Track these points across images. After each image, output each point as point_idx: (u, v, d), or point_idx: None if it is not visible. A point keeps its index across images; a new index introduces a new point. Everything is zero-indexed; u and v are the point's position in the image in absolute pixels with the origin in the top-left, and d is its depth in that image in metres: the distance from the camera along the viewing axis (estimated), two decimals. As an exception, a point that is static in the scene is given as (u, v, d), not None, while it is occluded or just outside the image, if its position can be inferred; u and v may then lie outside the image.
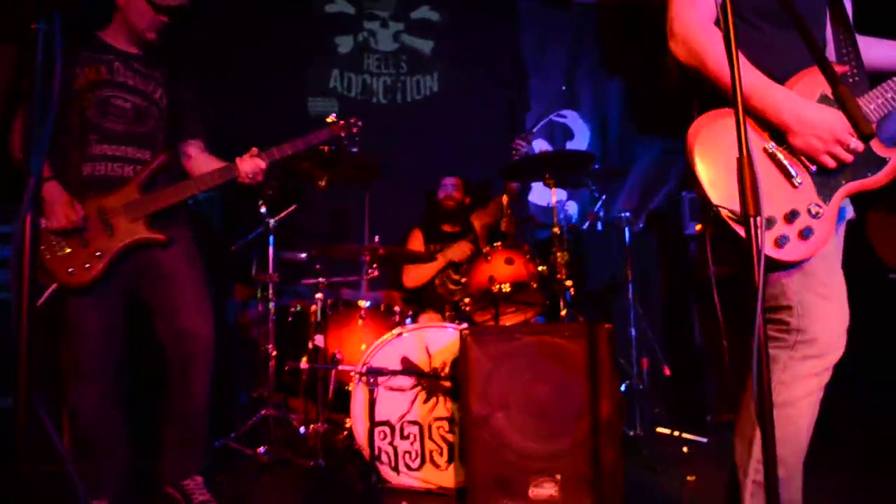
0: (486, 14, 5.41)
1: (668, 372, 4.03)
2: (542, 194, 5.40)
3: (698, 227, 4.60)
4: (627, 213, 4.07)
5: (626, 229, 4.05)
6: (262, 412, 3.76)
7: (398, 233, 4.89)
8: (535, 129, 5.35)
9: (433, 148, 5.21)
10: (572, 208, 5.38)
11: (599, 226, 4.78)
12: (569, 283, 3.61)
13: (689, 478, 3.22)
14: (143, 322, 2.75)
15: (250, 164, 2.74)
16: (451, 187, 4.65)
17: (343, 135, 2.99)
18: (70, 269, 2.52)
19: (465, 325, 3.30)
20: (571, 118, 5.54)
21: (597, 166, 4.09)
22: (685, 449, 3.62)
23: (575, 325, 2.93)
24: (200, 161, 2.87)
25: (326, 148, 3.40)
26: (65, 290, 2.56)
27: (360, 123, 3.02)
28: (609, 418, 2.68)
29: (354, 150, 3.01)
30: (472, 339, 2.76)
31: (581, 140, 5.51)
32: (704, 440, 3.81)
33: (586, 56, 5.60)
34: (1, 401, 3.31)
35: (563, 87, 5.54)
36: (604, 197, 4.27)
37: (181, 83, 2.83)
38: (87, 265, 2.53)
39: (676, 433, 3.83)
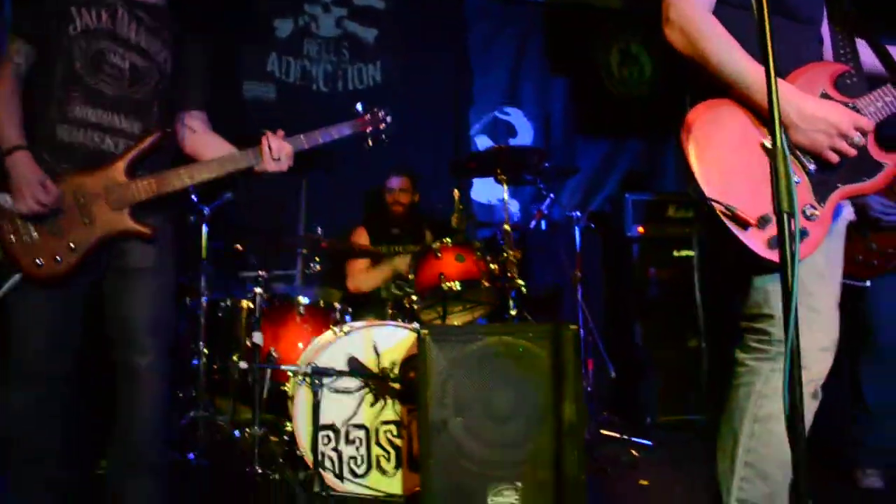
0: (432, 4, 5.25)
1: (613, 374, 3.96)
2: (482, 191, 5.28)
3: (640, 229, 4.59)
4: (577, 213, 3.98)
5: (576, 228, 3.96)
6: (192, 414, 3.48)
7: (337, 228, 4.66)
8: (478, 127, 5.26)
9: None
10: (514, 206, 5.28)
11: (544, 225, 4.69)
12: (520, 282, 3.49)
13: (641, 482, 3.15)
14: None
15: (277, 144, 2.32)
16: (399, 190, 4.46)
17: (368, 130, 2.60)
18: (38, 261, 2.11)
19: (415, 325, 3.14)
20: (515, 115, 5.44)
21: (547, 164, 3.99)
22: (634, 452, 3.54)
23: (539, 326, 2.79)
24: (205, 139, 2.46)
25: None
26: (29, 282, 2.15)
27: (388, 119, 2.61)
28: (573, 422, 2.55)
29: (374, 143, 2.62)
30: (430, 339, 2.58)
31: (524, 138, 5.41)
32: (650, 443, 3.76)
33: (532, 53, 5.52)
34: None
35: (507, 84, 5.43)
36: (551, 195, 4.17)
37: (188, 45, 2.41)
38: (58, 258, 2.12)
39: (624, 437, 3.76)
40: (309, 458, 2.84)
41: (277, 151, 2.33)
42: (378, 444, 2.93)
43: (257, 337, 3.19)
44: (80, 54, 2.19)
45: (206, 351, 3.55)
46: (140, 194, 2.21)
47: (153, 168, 2.28)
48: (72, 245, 2.16)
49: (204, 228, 3.60)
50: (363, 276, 4.30)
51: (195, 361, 3.62)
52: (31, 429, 2.24)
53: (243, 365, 3.13)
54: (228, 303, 3.78)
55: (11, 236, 2.12)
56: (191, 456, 3.22)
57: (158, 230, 2.27)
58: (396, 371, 3.00)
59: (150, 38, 2.32)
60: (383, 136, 2.62)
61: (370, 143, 2.62)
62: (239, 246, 3.82)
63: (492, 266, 3.51)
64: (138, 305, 2.28)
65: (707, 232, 1.87)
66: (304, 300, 3.57)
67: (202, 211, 3.61)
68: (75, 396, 2.30)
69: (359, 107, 2.62)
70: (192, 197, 3.62)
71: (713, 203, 1.74)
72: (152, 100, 2.32)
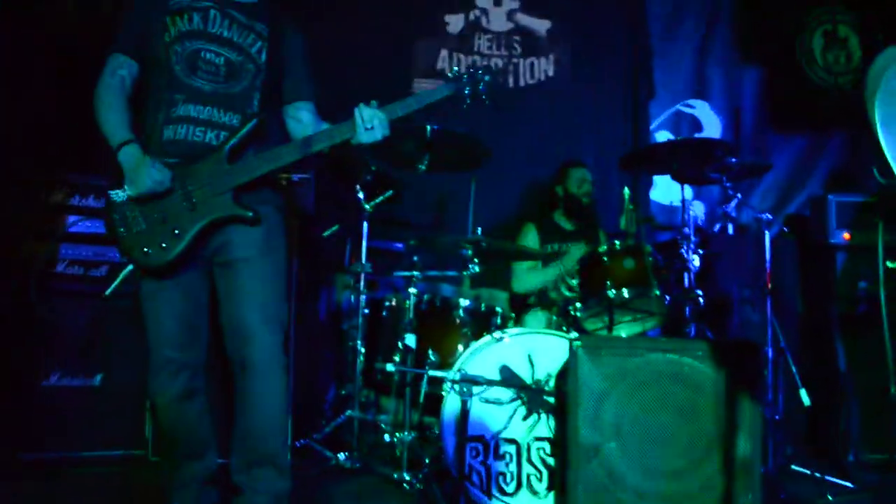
0: (608, -12, 4.97)
1: (808, 402, 3.45)
2: (664, 192, 4.90)
3: (846, 235, 4.00)
4: (768, 215, 3.53)
5: (766, 233, 3.51)
6: (348, 413, 3.48)
7: (504, 225, 4.53)
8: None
9: (545, 136, 4.82)
10: (699, 209, 4.85)
11: (731, 228, 4.24)
12: (697, 292, 3.14)
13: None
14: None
15: (370, 113, 2.27)
16: (586, 181, 4.20)
17: (466, 91, 2.43)
18: (146, 249, 2.21)
19: (574, 335, 2.91)
20: (700, 109, 5.00)
21: (733, 160, 3.57)
22: (829, 497, 3.06)
23: (711, 342, 2.47)
24: (313, 129, 2.45)
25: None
26: (140, 271, 2.29)
27: (486, 77, 2.45)
28: (748, 457, 2.22)
29: (488, 102, 2.49)
30: (584, 352, 2.35)
31: (711, 133, 4.96)
32: (850, 485, 3.25)
33: (719, 40, 5.07)
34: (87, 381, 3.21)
35: (692, 74, 5.00)
36: (738, 196, 3.73)
37: (286, 39, 2.45)
38: (164, 244, 2.21)
39: (817, 474, 3.27)
40: (455, 470, 2.71)
41: (370, 120, 2.27)
42: (529, 461, 2.75)
43: (410, 339, 3.12)
44: (177, 58, 2.28)
45: (363, 350, 3.52)
46: (239, 177, 2.25)
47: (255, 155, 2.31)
48: (176, 231, 2.21)
49: (364, 226, 3.58)
50: (529, 278, 4.10)
51: (358, 360, 3.62)
52: (182, 417, 2.32)
53: (390, 367, 3.06)
54: (393, 302, 3.74)
55: (122, 229, 2.22)
56: (341, 456, 3.20)
57: (262, 215, 2.29)
58: (552, 384, 2.79)
59: (242, 32, 2.36)
60: (483, 96, 2.44)
61: (468, 102, 2.43)
62: (400, 244, 3.79)
63: (665, 273, 3.20)
64: (247, 297, 2.28)
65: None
66: (464, 302, 3.45)
67: (364, 208, 3.59)
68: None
69: (455, 69, 2.53)
70: (359, 195, 3.62)
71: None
72: (251, 92, 2.35)
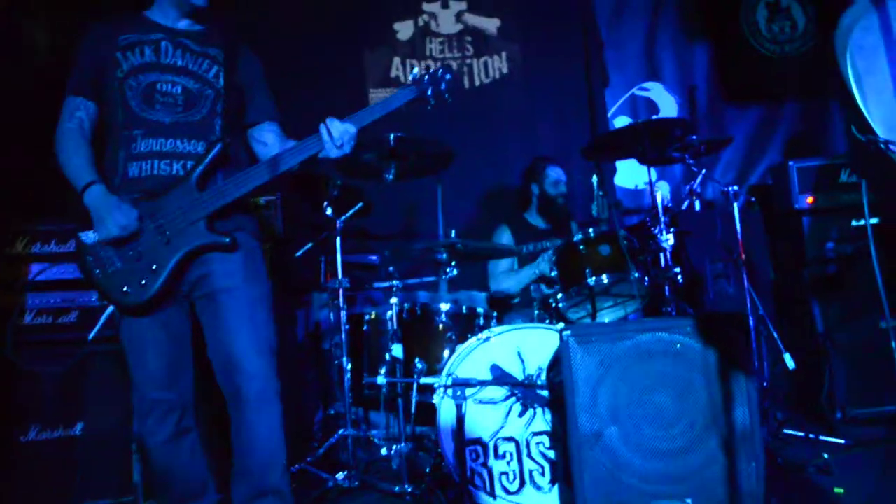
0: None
1: (793, 365, 3.51)
2: (627, 176, 4.96)
3: (810, 199, 4.09)
4: (735, 187, 3.58)
5: (735, 205, 3.56)
6: (341, 432, 3.45)
7: (475, 227, 4.54)
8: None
9: (506, 134, 4.84)
10: (664, 189, 4.91)
11: (697, 205, 4.30)
12: (675, 270, 3.18)
13: (836, 489, 2.75)
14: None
15: (339, 127, 2.25)
16: (562, 182, 4.22)
17: (429, 92, 2.43)
18: (125, 289, 2.17)
19: (561, 325, 2.92)
20: (655, 90, 5.07)
21: (693, 137, 3.63)
22: (825, 455, 3.11)
23: (698, 318, 2.50)
24: (280, 149, 2.40)
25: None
26: (120, 311, 2.25)
27: (447, 76, 2.45)
28: (746, 427, 2.25)
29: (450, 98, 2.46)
30: (574, 340, 2.36)
31: (667, 113, 5.02)
32: (843, 441, 3.31)
33: (667, 21, 5.14)
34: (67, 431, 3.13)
35: (643, 57, 5.07)
36: (703, 172, 3.79)
37: (243, 62, 2.43)
38: (143, 282, 2.17)
39: (811, 436, 3.33)
40: (457, 476, 2.70)
41: (340, 137, 2.26)
42: (530, 457, 2.75)
43: (396, 350, 3.10)
44: (132, 93, 2.26)
45: (349, 367, 3.49)
46: (212, 203, 2.22)
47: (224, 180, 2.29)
48: (154, 266, 2.18)
49: (338, 241, 3.55)
50: (505, 279, 4.11)
51: (346, 377, 3.58)
52: (175, 457, 2.27)
53: (381, 380, 3.04)
54: (373, 315, 3.71)
55: (97, 270, 2.18)
56: (339, 476, 3.16)
57: (238, 240, 2.27)
58: (544, 377, 2.80)
59: (196, 59, 2.35)
60: (446, 94, 2.45)
61: (432, 103, 2.44)
62: (375, 256, 3.77)
63: (641, 255, 3.23)
64: (235, 327, 2.25)
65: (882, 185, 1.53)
66: (445, 307, 3.44)
67: (336, 224, 3.56)
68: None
69: (415, 71, 2.49)
70: (327, 212, 3.59)
71: (889, 146, 1.40)
72: (212, 119, 2.33)
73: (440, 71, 2.46)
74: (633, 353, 2.38)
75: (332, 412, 3.85)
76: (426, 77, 2.44)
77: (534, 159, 4.33)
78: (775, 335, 3.60)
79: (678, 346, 2.33)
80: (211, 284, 2.27)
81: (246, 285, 2.30)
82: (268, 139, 2.48)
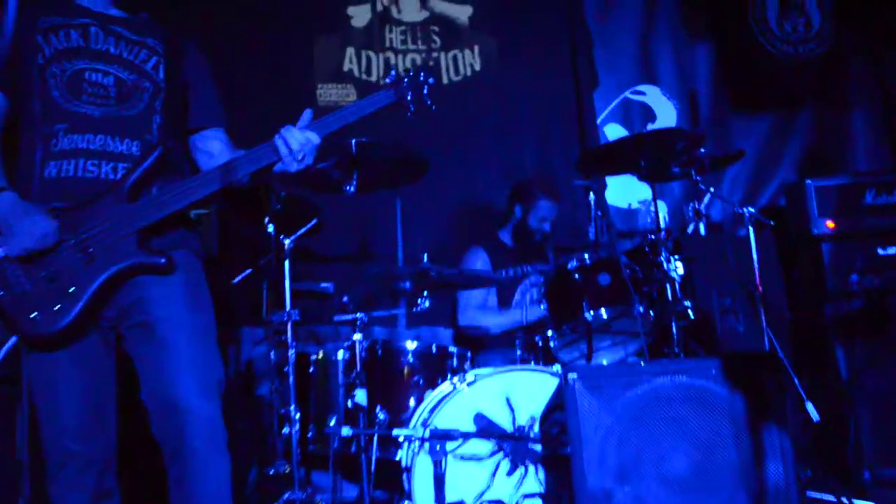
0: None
1: (817, 418, 3.61)
2: (619, 194, 5.08)
3: (830, 223, 4.25)
4: (750, 209, 3.70)
5: (752, 229, 3.67)
6: (287, 495, 3.42)
7: (441, 248, 4.57)
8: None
9: (478, 141, 4.92)
10: (662, 209, 5.05)
11: (703, 229, 4.43)
12: (686, 303, 3.27)
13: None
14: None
15: (299, 138, 2.22)
16: (548, 221, 4.27)
17: (408, 98, 2.40)
18: (34, 315, 2.11)
19: (558, 367, 2.99)
20: (651, 94, 5.23)
21: (702, 151, 3.75)
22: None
23: (726, 359, 2.56)
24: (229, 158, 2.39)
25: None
26: (27, 344, 2.19)
27: (431, 80, 2.44)
28: (780, 485, 2.33)
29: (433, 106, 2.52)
30: (582, 385, 2.42)
31: (665, 121, 5.21)
32: (874, 505, 3.44)
33: (664, 14, 5.33)
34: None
35: (637, 55, 5.22)
36: (711, 190, 3.92)
37: (187, 58, 2.43)
38: (57, 307, 2.11)
39: (843, 499, 3.44)
40: (435, 548, 2.72)
41: (300, 150, 2.24)
42: (521, 524, 2.78)
43: (360, 396, 3.11)
44: (55, 82, 2.24)
45: (297, 416, 3.47)
46: (146, 217, 2.20)
47: (162, 189, 2.27)
48: (71, 289, 2.13)
49: (286, 265, 3.55)
50: (485, 316, 4.15)
51: (286, 430, 3.56)
52: None
53: (346, 432, 3.04)
54: (320, 355, 3.70)
55: (1, 291, 2.12)
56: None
57: (177, 260, 2.24)
58: (537, 428, 2.84)
59: (132, 48, 2.34)
60: (429, 101, 2.44)
61: (412, 110, 2.47)
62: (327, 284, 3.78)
63: (646, 286, 3.32)
64: (175, 363, 2.21)
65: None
66: (412, 345, 3.46)
67: (282, 244, 3.56)
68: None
69: (393, 73, 2.50)
70: (269, 230, 3.59)
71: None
72: (149, 115, 2.33)
73: (422, 74, 2.46)
74: (648, 400, 2.45)
75: (272, 472, 3.81)
76: (405, 80, 2.44)
77: (531, 180, 4.42)
78: (795, 381, 3.71)
79: (700, 391, 2.40)
80: (146, 312, 2.23)
81: (189, 313, 2.27)
82: (213, 148, 2.47)
